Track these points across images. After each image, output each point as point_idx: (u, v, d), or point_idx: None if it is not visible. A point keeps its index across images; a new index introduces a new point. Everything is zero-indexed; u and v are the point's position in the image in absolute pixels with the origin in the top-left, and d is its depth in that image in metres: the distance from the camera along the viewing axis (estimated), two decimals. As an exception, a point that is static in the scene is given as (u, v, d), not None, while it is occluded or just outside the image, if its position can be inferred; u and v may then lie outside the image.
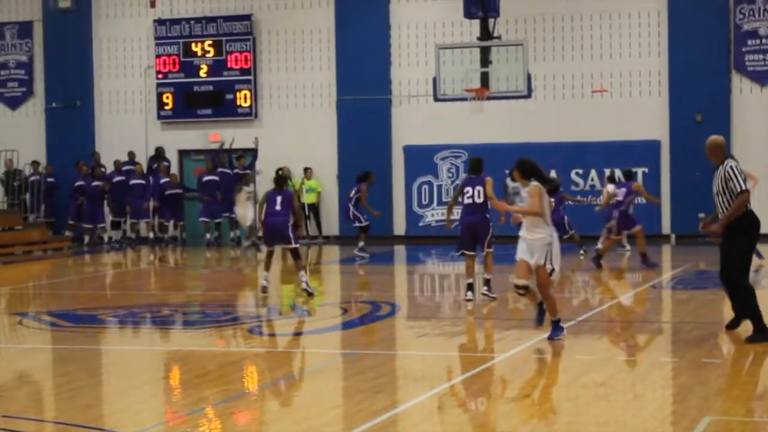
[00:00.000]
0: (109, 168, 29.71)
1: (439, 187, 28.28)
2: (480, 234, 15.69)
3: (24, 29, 31.35)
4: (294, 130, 29.27)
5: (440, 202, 27.98)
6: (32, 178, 29.96)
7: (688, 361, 10.96)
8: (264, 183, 26.25)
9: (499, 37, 23.19)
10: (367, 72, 28.61)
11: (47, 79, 31.03)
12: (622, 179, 21.78)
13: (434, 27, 28.40)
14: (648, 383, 10.28)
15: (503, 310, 15.29)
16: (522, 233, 12.13)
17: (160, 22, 30.14)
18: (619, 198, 20.74)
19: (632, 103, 27.29)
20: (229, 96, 29.68)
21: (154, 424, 8.87)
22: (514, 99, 24.39)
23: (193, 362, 11.71)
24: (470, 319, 14.75)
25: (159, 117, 30.33)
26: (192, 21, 29.94)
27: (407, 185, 28.54)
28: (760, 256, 19.98)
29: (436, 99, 23.74)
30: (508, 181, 21.85)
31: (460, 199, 15.85)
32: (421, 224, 28.37)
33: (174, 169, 29.81)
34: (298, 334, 14.18)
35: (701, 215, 12.74)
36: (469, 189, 15.68)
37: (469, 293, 15.76)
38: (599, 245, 21.01)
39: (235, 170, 26.84)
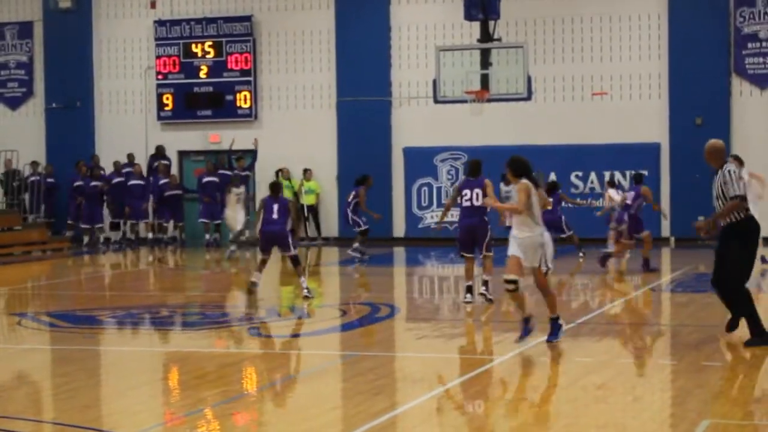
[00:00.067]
0: (109, 169, 29.70)
1: (439, 189, 28.27)
2: (478, 236, 15.68)
3: (24, 29, 31.35)
4: (294, 131, 29.27)
5: (440, 204, 27.97)
6: (32, 179, 29.95)
7: (687, 364, 10.96)
8: (263, 184, 26.23)
9: (499, 39, 23.20)
10: (367, 73, 28.61)
11: (47, 79, 31.03)
12: (623, 183, 21.75)
13: (434, 29, 28.40)
14: (647, 386, 10.28)
15: (502, 312, 15.27)
16: (512, 232, 12.12)
17: (160, 22, 30.15)
18: (628, 201, 20.63)
19: (632, 106, 27.29)
20: (229, 97, 29.68)
21: (152, 425, 8.86)
22: (514, 101, 24.38)
23: (192, 363, 11.71)
24: (469, 321, 14.74)
25: (159, 118, 30.33)
26: (192, 22, 29.95)
27: (407, 187, 28.53)
28: (764, 261, 19.97)
29: (436, 101, 23.74)
30: (502, 185, 21.85)
31: (458, 201, 15.85)
32: (420, 226, 28.36)
33: (174, 169, 29.81)
34: (296, 335, 14.19)
35: (700, 218, 12.72)
36: (467, 192, 15.65)
37: (468, 296, 15.75)
38: (609, 247, 20.88)
39: (235, 171, 26.83)
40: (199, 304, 17.34)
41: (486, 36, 22.96)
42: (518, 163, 12.12)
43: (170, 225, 29.11)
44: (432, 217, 28.12)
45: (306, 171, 28.81)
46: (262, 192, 25.73)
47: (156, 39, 30.17)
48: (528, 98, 23.68)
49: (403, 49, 28.74)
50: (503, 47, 23.12)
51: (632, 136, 27.05)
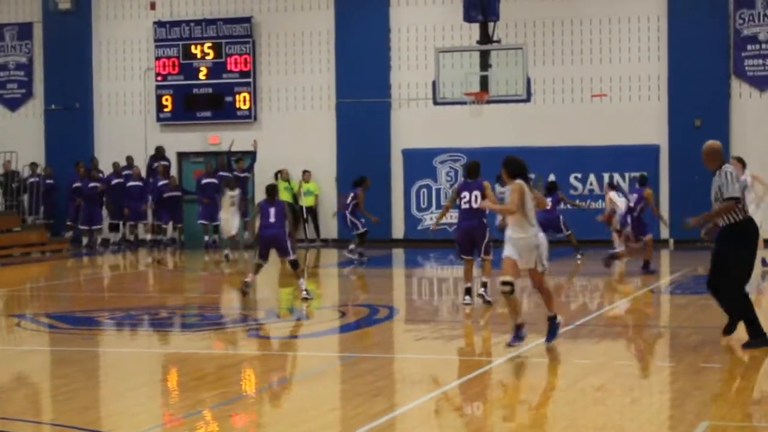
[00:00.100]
0: (107, 171, 29.69)
1: (438, 190, 28.26)
2: (477, 239, 15.67)
3: (24, 31, 31.35)
4: (293, 132, 29.27)
5: (439, 206, 27.94)
6: (31, 180, 29.95)
7: (685, 366, 10.96)
8: (262, 185, 26.17)
9: (498, 41, 23.19)
10: (367, 75, 28.61)
11: (47, 80, 31.02)
12: (622, 185, 21.71)
13: (434, 30, 28.40)
14: (646, 388, 10.28)
15: (501, 314, 15.26)
16: (507, 233, 12.05)
17: (159, 24, 30.15)
18: (630, 204, 20.58)
19: (632, 108, 27.30)
20: (229, 98, 29.67)
21: (151, 426, 8.86)
22: (514, 103, 24.38)
23: (191, 365, 11.71)
24: (468, 322, 14.75)
25: (158, 119, 30.33)
26: (192, 23, 29.95)
27: (406, 189, 28.53)
28: (765, 264, 19.94)
29: (436, 102, 23.73)
30: (497, 186, 21.85)
31: (457, 203, 15.83)
32: (419, 228, 28.33)
33: (173, 171, 29.79)
34: (295, 337, 14.19)
35: (687, 219, 12.66)
36: (466, 194, 15.62)
37: (467, 297, 15.75)
38: (617, 248, 20.81)
39: (234, 173, 26.83)
40: (197, 306, 17.34)
41: (485, 37, 22.96)
42: (514, 163, 12.05)
43: (169, 226, 29.09)
44: (431, 218, 28.10)
45: (305, 172, 28.80)
46: (261, 194, 25.69)
47: (155, 40, 30.16)
48: (527, 100, 23.65)
49: (402, 50, 28.75)
50: (503, 49, 23.12)
51: (631, 137, 27.06)
